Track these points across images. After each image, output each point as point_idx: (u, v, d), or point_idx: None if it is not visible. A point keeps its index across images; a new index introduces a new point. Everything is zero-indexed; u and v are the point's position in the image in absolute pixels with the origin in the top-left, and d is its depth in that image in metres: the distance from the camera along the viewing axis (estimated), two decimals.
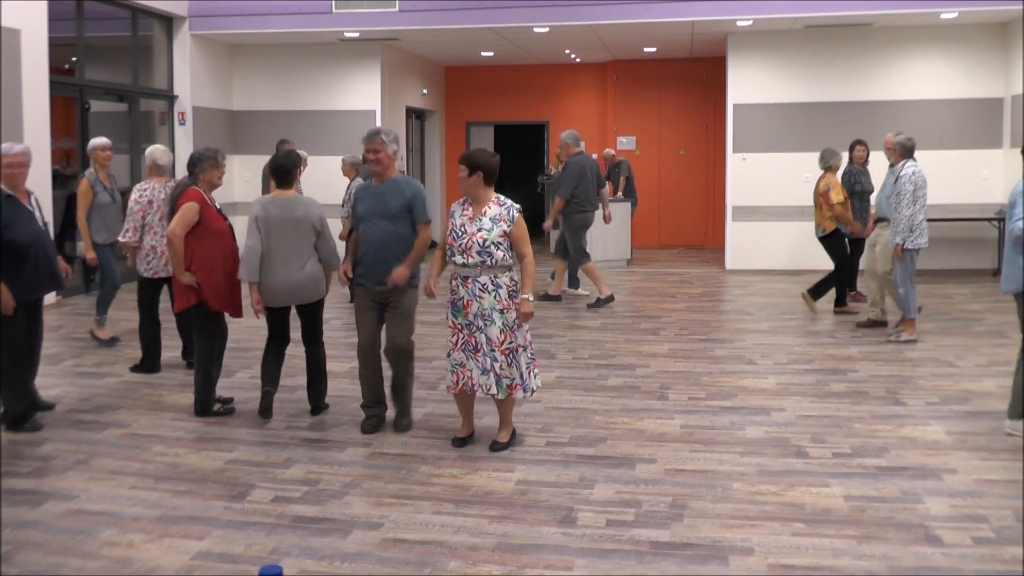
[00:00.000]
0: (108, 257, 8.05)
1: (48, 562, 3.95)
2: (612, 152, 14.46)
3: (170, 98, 12.81)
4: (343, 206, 9.77)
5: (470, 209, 5.26)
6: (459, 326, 5.28)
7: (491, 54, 15.38)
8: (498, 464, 5.14)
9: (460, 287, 5.25)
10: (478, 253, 5.15)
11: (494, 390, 5.24)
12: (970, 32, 12.40)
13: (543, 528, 4.28)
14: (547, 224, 10.43)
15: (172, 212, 6.00)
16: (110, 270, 8.07)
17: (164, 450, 5.41)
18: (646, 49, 14.89)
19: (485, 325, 5.19)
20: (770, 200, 12.97)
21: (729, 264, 13.18)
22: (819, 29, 12.50)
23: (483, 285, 5.19)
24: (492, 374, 5.22)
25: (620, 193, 13.80)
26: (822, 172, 9.26)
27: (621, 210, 13.53)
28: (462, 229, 5.21)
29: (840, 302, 9.61)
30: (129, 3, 11.62)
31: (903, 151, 8.12)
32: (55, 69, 10.33)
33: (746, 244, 13.04)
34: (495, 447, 5.40)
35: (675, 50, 15.04)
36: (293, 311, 6.05)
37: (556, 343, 8.29)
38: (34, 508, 4.53)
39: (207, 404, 6.08)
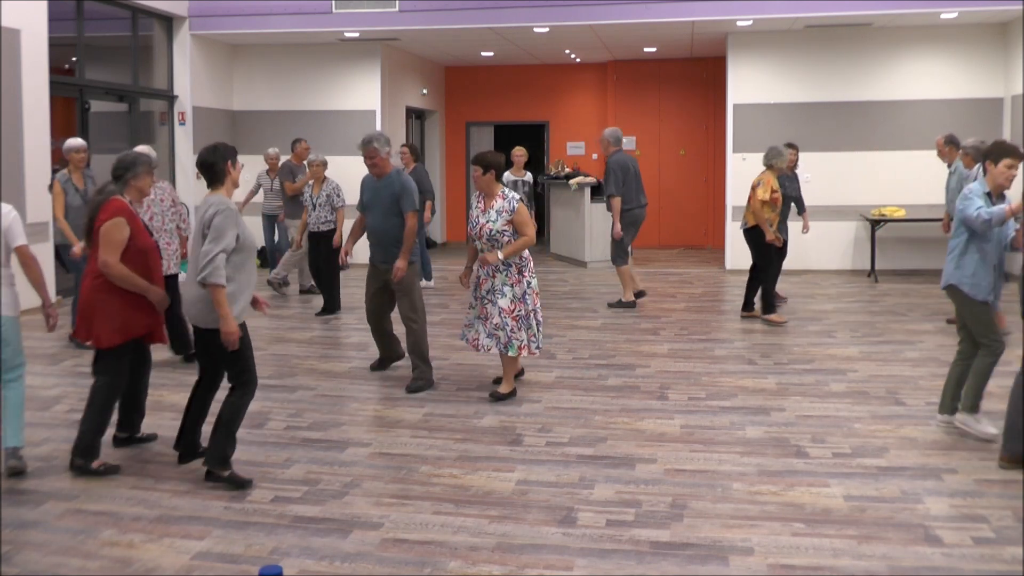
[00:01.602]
0: (80, 261, 7.95)
1: (48, 562, 3.96)
2: None
3: (170, 98, 12.81)
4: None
5: (482, 202, 6.36)
6: (477, 298, 6.44)
7: (491, 54, 15.38)
8: (498, 464, 5.15)
9: (479, 267, 6.41)
10: (488, 240, 6.27)
11: (505, 351, 6.25)
12: (970, 32, 12.40)
13: (543, 528, 4.28)
14: (616, 231, 10.04)
15: (91, 225, 5.05)
16: (78, 273, 7.99)
17: (164, 450, 5.40)
18: (646, 49, 14.89)
19: (497, 298, 6.27)
20: None
21: (729, 264, 13.17)
22: (819, 29, 12.50)
23: (496, 265, 6.27)
24: (498, 338, 6.26)
25: None
26: (764, 168, 9.39)
27: None
28: (476, 220, 6.33)
29: (748, 306, 9.54)
30: (129, 3, 11.62)
31: (976, 154, 8.19)
32: (55, 69, 10.33)
33: (746, 244, 12.99)
34: (494, 396, 6.38)
35: (675, 50, 15.03)
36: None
37: (556, 343, 8.28)
38: (34, 508, 4.53)
39: (90, 452, 4.99)
